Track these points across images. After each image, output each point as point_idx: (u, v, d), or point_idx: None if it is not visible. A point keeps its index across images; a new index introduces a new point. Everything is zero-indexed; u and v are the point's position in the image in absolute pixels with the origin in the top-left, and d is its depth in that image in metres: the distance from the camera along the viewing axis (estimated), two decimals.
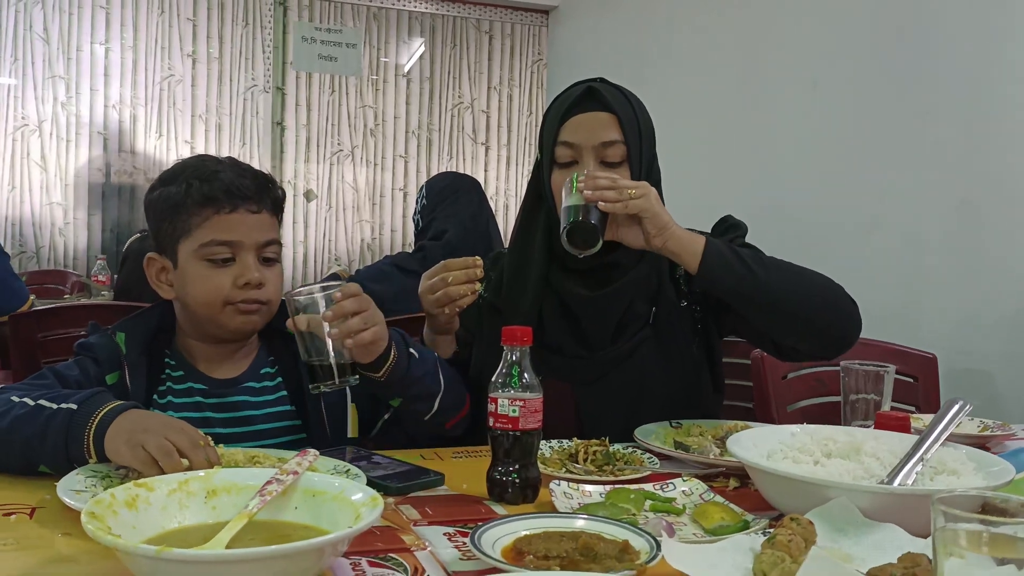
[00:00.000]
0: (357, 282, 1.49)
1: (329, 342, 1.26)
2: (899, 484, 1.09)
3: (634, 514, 1.07)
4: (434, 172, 5.26)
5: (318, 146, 5.13)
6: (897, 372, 2.32)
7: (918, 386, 2.25)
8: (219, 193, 1.33)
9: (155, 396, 1.39)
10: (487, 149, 5.51)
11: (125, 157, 4.83)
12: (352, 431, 1.45)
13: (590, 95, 1.50)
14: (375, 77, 5.28)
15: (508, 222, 5.59)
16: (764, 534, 0.96)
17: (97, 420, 1.09)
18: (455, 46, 5.43)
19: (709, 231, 1.57)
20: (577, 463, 1.29)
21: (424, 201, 2.78)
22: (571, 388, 1.54)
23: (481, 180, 5.55)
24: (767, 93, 3.40)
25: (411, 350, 1.37)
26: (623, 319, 1.54)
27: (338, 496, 0.92)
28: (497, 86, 5.50)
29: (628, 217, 1.39)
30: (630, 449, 1.37)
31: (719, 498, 1.13)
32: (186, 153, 4.89)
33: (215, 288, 1.34)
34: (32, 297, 2.95)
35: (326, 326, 1.26)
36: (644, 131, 1.51)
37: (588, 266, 1.51)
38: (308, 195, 5.07)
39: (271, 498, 0.91)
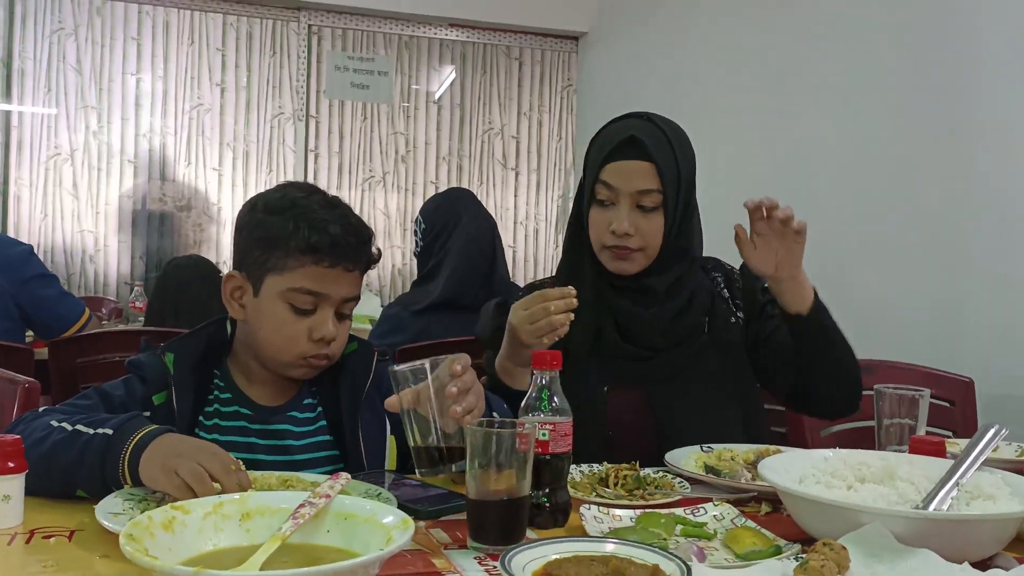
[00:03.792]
0: (375, 341, 1.50)
1: (445, 422, 1.16)
2: (934, 509, 1.08)
3: (664, 538, 1.07)
4: None
5: (350, 173, 5.19)
6: (933, 396, 2.29)
7: (955, 411, 2.22)
8: (324, 246, 1.32)
9: (201, 418, 1.39)
10: (517, 174, 5.54)
11: (155, 185, 4.92)
12: (390, 463, 1.45)
13: (632, 143, 1.56)
14: (406, 104, 5.34)
15: (538, 246, 5.62)
16: (796, 559, 0.95)
17: (132, 446, 1.10)
18: (485, 73, 5.48)
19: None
20: (607, 487, 1.29)
21: (424, 225, 2.71)
22: (644, 393, 1.60)
23: (511, 205, 5.61)
24: (800, 115, 3.39)
25: (493, 412, 1.34)
26: (680, 329, 1.62)
27: (370, 519, 0.93)
28: (527, 112, 5.54)
29: (775, 240, 1.50)
30: (660, 473, 1.36)
31: (750, 523, 1.13)
32: (213, 182, 4.97)
33: (291, 337, 1.34)
34: (88, 313, 2.98)
35: (433, 402, 1.18)
36: (683, 174, 1.59)
37: (634, 285, 1.61)
38: None
39: (304, 521, 0.92)
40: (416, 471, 1.20)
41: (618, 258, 1.59)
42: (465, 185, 5.41)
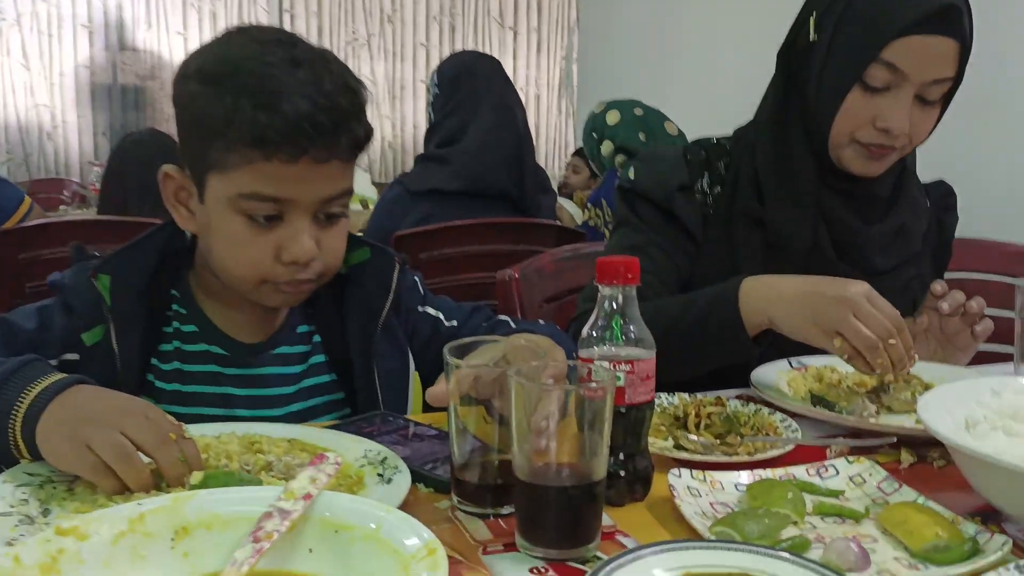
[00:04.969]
0: (374, 222, 1.09)
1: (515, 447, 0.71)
2: None
3: (796, 523, 0.75)
4: None
5: (330, 35, 4.69)
6: None
7: None
8: (276, 135, 0.90)
9: (156, 360, 1.02)
10: (515, 34, 5.04)
11: (113, 52, 4.42)
12: (414, 410, 1.11)
13: (947, 14, 1.11)
14: None
15: (539, 114, 5.17)
16: (1018, 570, 0.63)
17: (26, 407, 0.76)
18: None
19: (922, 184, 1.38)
20: (689, 432, 0.96)
21: (436, 91, 2.33)
22: None
23: (510, 69, 5.10)
24: None
25: None
26: (900, 248, 1.30)
27: (374, 536, 0.60)
28: None
29: (937, 340, 1.22)
30: (752, 408, 1.03)
31: (908, 491, 0.80)
32: (178, 48, 4.46)
33: (250, 260, 0.95)
34: (29, 201, 2.60)
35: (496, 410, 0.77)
36: None
37: (854, 190, 1.25)
38: None
39: (271, 543, 0.59)
40: (452, 499, 0.79)
41: (872, 157, 1.19)
42: (459, 47, 4.91)
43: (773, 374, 1.15)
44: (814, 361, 1.18)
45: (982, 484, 0.77)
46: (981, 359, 1.35)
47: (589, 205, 2.77)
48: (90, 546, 0.58)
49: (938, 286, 1.19)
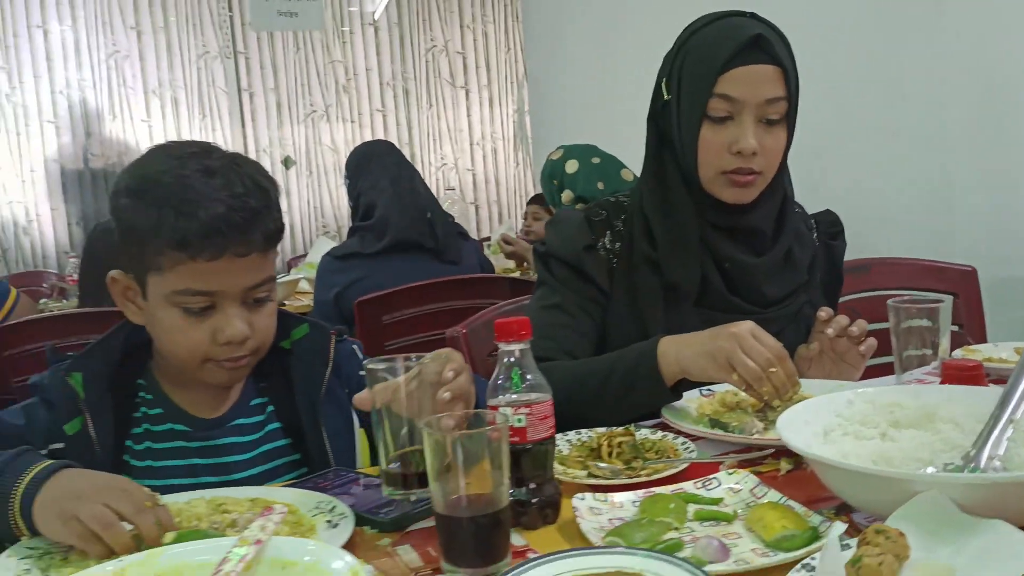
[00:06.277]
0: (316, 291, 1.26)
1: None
2: (988, 455, 0.91)
3: (676, 528, 0.90)
4: (415, 123, 5.03)
5: (289, 109, 4.88)
6: (934, 290, 2.13)
7: (959, 303, 2.06)
8: (196, 238, 1.05)
9: (130, 442, 1.16)
10: (467, 92, 5.25)
11: (80, 144, 4.59)
12: (363, 461, 1.25)
13: (757, 45, 1.32)
14: (343, 29, 5.01)
15: (497, 167, 5.37)
16: (842, 545, 0.78)
17: (22, 490, 0.90)
18: None
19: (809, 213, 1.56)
20: (601, 461, 1.11)
21: (347, 181, 2.74)
22: None
23: (464, 126, 5.33)
24: None
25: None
26: (787, 280, 1.45)
27: (313, 567, 0.74)
28: (470, 24, 5.22)
29: (830, 361, 1.37)
30: (660, 435, 1.18)
31: (774, 494, 0.95)
32: (144, 135, 4.64)
33: (192, 344, 1.10)
34: (15, 292, 2.70)
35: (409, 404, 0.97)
36: (798, 81, 1.39)
37: (738, 225, 1.41)
38: (286, 162, 4.84)
39: None
40: (383, 489, 0.99)
41: (738, 185, 1.35)
42: (414, 110, 5.13)
43: (684, 404, 1.30)
44: (719, 388, 1.33)
45: (829, 482, 0.92)
46: (881, 371, 1.51)
47: None
48: None
49: (823, 313, 1.35)
